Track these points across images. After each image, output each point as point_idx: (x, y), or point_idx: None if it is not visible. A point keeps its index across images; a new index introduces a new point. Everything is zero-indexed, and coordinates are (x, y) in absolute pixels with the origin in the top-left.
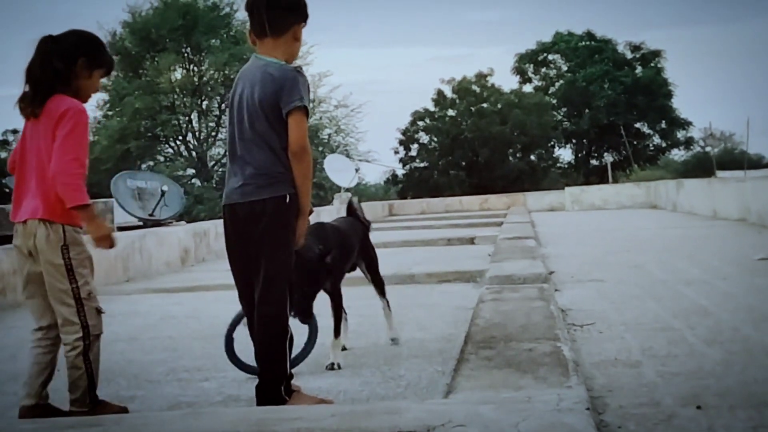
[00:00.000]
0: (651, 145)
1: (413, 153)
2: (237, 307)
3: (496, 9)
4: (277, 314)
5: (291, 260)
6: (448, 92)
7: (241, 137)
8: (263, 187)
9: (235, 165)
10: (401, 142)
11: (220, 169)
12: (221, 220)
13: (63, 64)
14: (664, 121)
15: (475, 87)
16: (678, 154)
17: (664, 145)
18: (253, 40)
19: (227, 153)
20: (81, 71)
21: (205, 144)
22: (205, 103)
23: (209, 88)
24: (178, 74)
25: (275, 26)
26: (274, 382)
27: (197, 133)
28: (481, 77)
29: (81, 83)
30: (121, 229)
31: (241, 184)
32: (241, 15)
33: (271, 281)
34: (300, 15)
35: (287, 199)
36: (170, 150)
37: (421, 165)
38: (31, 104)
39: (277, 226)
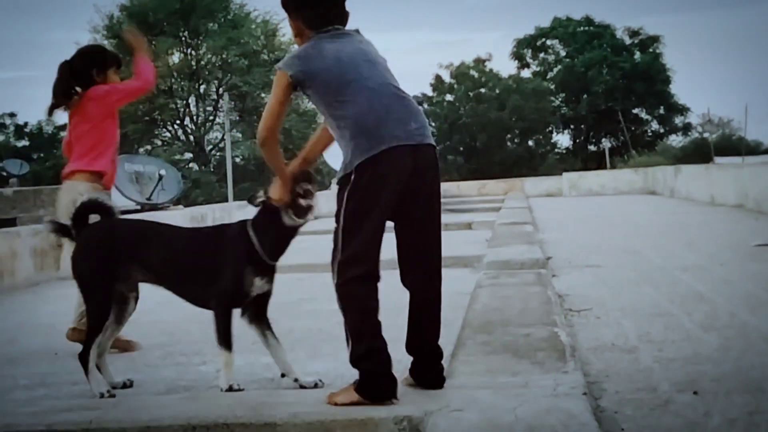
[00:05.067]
0: (649, 130)
1: None
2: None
3: None
4: None
5: None
6: (447, 77)
7: (390, 81)
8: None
9: (396, 103)
10: None
11: (218, 154)
12: (219, 205)
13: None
14: (662, 107)
15: (473, 72)
16: (676, 140)
17: (662, 130)
18: (307, 30)
19: (372, 85)
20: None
21: (202, 128)
22: (202, 87)
23: (207, 72)
24: (175, 58)
25: None
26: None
27: (195, 118)
28: (479, 62)
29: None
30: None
31: (419, 126)
32: None
33: (440, 248)
34: None
35: None
36: (168, 134)
37: None
38: None
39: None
